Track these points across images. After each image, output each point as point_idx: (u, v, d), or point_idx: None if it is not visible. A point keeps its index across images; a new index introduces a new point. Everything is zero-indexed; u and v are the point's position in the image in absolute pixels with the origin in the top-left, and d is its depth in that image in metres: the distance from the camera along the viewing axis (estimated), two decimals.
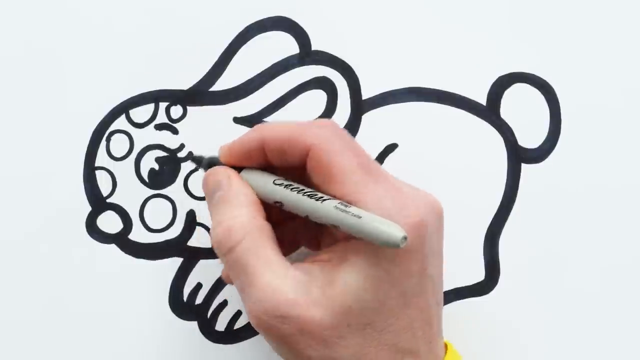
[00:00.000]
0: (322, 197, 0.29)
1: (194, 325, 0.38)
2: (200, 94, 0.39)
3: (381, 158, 0.39)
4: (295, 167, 0.31)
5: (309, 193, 0.30)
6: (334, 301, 0.29)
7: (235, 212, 0.31)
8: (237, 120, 0.39)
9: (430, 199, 0.31)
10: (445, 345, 0.33)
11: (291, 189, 0.30)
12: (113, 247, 0.38)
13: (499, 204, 0.39)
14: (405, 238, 0.27)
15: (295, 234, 0.35)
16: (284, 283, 0.29)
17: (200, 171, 0.39)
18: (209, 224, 0.39)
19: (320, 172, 0.30)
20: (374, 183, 0.30)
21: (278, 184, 0.31)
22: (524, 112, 0.40)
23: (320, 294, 0.29)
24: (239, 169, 0.33)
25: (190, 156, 0.37)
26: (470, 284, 0.39)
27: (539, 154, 0.40)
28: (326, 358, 0.30)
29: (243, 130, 0.39)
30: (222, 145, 0.33)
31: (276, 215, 0.33)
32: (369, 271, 0.29)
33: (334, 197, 0.30)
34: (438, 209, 0.31)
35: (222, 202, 0.32)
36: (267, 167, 0.32)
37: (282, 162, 0.32)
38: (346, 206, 0.29)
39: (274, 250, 0.30)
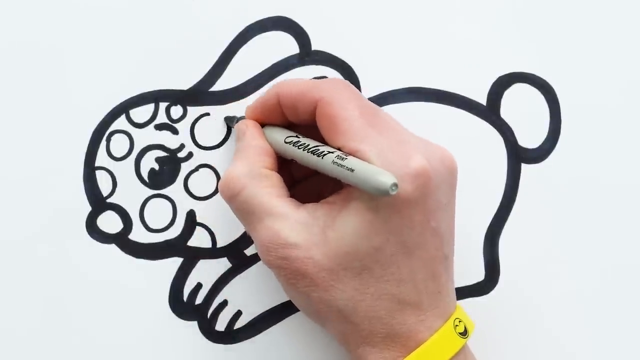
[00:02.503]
0: (322, 153, 0.31)
1: (194, 325, 0.38)
2: (200, 94, 0.39)
3: None
4: (311, 124, 0.32)
5: (312, 149, 0.32)
6: (332, 244, 0.30)
7: (239, 163, 0.33)
8: (237, 120, 0.39)
9: (440, 151, 0.32)
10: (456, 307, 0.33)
11: (298, 146, 0.32)
12: (113, 247, 0.38)
13: (499, 204, 0.39)
14: (395, 185, 0.28)
15: (319, 185, 0.36)
16: (283, 226, 0.31)
17: (201, 171, 0.39)
18: (209, 224, 0.39)
19: (326, 123, 0.31)
20: (377, 133, 0.30)
21: (288, 142, 0.33)
22: (524, 112, 0.40)
23: (320, 236, 0.30)
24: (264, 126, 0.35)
25: (226, 117, 0.38)
26: (470, 283, 0.39)
27: (539, 154, 0.40)
28: (323, 300, 0.30)
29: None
30: (248, 105, 0.36)
31: (304, 170, 0.34)
32: (366, 217, 0.29)
33: (338, 148, 0.31)
34: (448, 161, 0.32)
35: (236, 152, 0.34)
36: (288, 124, 0.34)
37: (296, 117, 0.33)
38: (342, 159, 0.30)
39: (277, 196, 0.32)
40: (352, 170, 0.29)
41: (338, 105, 0.31)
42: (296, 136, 0.33)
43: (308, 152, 0.32)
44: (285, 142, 0.33)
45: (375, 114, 0.32)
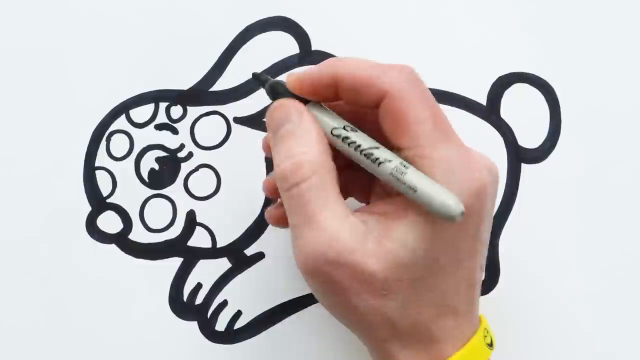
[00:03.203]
0: (378, 160, 0.28)
1: (194, 325, 0.38)
2: (200, 94, 0.39)
3: None
4: (367, 107, 0.30)
5: (366, 152, 0.29)
6: (389, 254, 0.29)
7: (306, 148, 0.29)
8: (237, 120, 0.39)
9: (489, 162, 0.31)
10: (479, 317, 0.33)
11: (349, 143, 0.29)
12: (113, 247, 0.38)
13: (499, 204, 0.39)
14: (462, 213, 0.27)
15: (347, 183, 0.34)
16: (343, 228, 0.28)
17: (201, 171, 0.39)
18: (209, 224, 0.39)
19: (393, 120, 0.29)
20: (446, 141, 0.29)
21: (336, 135, 0.30)
22: (524, 112, 0.40)
23: (376, 245, 0.29)
24: (305, 101, 0.31)
25: (255, 75, 0.33)
26: None
27: (539, 154, 0.40)
28: (373, 308, 0.29)
29: (243, 130, 0.39)
30: (291, 73, 0.31)
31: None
32: (426, 229, 0.28)
33: (401, 148, 0.28)
34: (495, 172, 0.31)
35: (291, 135, 0.30)
36: (335, 101, 0.31)
37: (354, 101, 0.30)
38: (402, 174, 0.28)
39: (338, 193, 0.29)
40: (415, 191, 0.27)
41: (409, 103, 0.28)
42: (346, 128, 0.30)
43: (361, 154, 0.29)
44: (333, 135, 0.30)
45: (443, 117, 0.30)
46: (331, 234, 0.28)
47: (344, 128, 0.30)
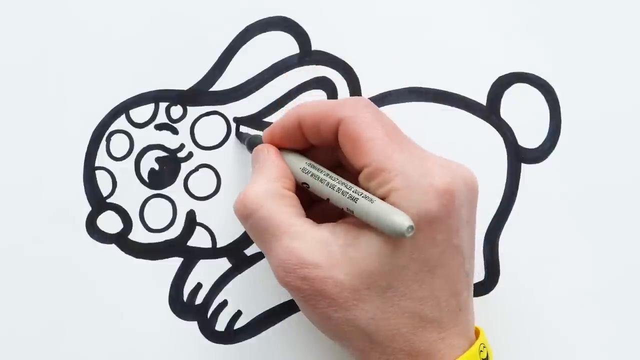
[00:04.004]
0: (339, 189, 0.31)
1: (194, 325, 0.38)
2: (200, 94, 0.39)
3: None
4: (333, 145, 0.32)
5: (329, 183, 0.32)
6: (354, 263, 0.29)
7: (257, 182, 0.32)
8: (237, 120, 0.39)
9: (462, 170, 0.31)
10: (478, 331, 0.33)
11: (315, 177, 0.32)
12: (113, 247, 0.38)
13: (499, 204, 0.39)
14: (411, 228, 0.28)
15: (336, 207, 0.35)
16: (302, 245, 0.30)
17: (201, 171, 0.39)
18: (209, 224, 0.39)
19: (349, 143, 0.31)
20: (401, 153, 0.30)
21: (305, 172, 0.33)
22: (524, 112, 0.40)
23: (341, 255, 0.30)
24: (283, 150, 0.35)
25: (236, 134, 0.38)
26: None
27: (539, 154, 0.40)
28: (345, 319, 0.30)
29: (243, 130, 0.39)
30: (266, 129, 0.35)
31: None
32: (389, 236, 0.29)
33: (362, 167, 0.31)
34: (469, 180, 0.31)
35: (255, 172, 0.34)
36: (309, 147, 0.34)
37: (318, 139, 0.33)
38: (355, 200, 0.30)
39: (295, 215, 0.31)
40: (367, 213, 0.29)
41: (361, 125, 0.31)
42: (312, 165, 0.33)
43: (327, 185, 0.32)
44: (303, 172, 0.33)
45: (398, 133, 0.31)
46: (291, 253, 0.30)
47: (312, 165, 0.33)
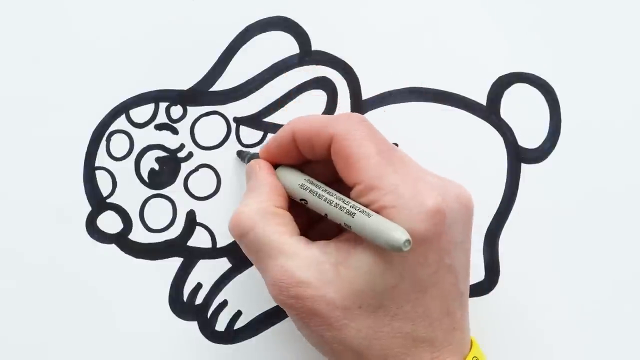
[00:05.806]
0: (337, 204, 0.31)
1: (194, 325, 0.38)
2: (200, 94, 0.39)
3: None
4: (327, 159, 0.32)
5: (326, 199, 0.31)
6: (346, 282, 0.29)
7: (249, 201, 0.32)
8: (237, 120, 0.39)
9: (456, 189, 0.31)
10: (471, 342, 0.33)
11: (313, 193, 0.32)
12: (113, 247, 0.38)
13: (498, 204, 0.39)
14: (408, 242, 0.28)
15: (335, 225, 0.35)
16: (294, 264, 0.30)
17: (201, 171, 0.39)
18: (209, 224, 0.39)
19: (342, 160, 0.31)
20: (393, 172, 0.30)
21: (303, 188, 0.33)
22: (524, 112, 0.40)
23: (333, 274, 0.29)
24: (276, 166, 0.35)
25: (237, 152, 0.38)
26: (470, 284, 0.39)
27: (539, 154, 0.40)
28: (337, 338, 0.30)
29: (243, 129, 0.39)
30: (262, 145, 0.35)
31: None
32: (382, 255, 0.29)
33: (354, 184, 0.30)
34: (464, 199, 0.31)
35: (247, 191, 0.34)
36: (304, 162, 0.34)
37: (312, 154, 0.33)
38: (352, 215, 0.30)
39: (288, 234, 0.31)
40: (363, 228, 0.29)
41: (354, 142, 0.31)
42: (309, 181, 0.33)
43: (323, 200, 0.32)
44: (300, 187, 0.33)
45: (391, 150, 0.31)
46: (284, 272, 0.30)
47: (309, 181, 0.33)
